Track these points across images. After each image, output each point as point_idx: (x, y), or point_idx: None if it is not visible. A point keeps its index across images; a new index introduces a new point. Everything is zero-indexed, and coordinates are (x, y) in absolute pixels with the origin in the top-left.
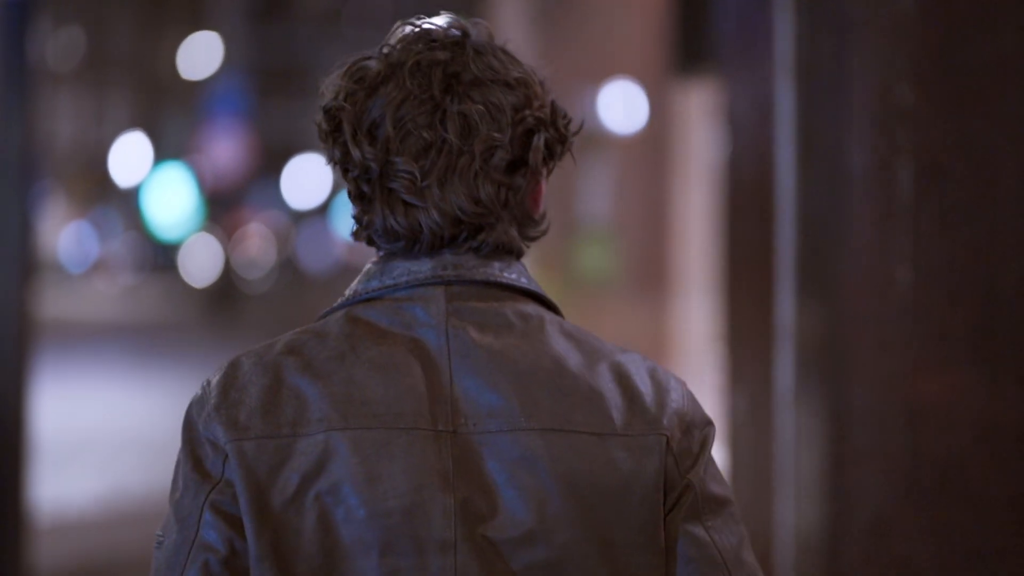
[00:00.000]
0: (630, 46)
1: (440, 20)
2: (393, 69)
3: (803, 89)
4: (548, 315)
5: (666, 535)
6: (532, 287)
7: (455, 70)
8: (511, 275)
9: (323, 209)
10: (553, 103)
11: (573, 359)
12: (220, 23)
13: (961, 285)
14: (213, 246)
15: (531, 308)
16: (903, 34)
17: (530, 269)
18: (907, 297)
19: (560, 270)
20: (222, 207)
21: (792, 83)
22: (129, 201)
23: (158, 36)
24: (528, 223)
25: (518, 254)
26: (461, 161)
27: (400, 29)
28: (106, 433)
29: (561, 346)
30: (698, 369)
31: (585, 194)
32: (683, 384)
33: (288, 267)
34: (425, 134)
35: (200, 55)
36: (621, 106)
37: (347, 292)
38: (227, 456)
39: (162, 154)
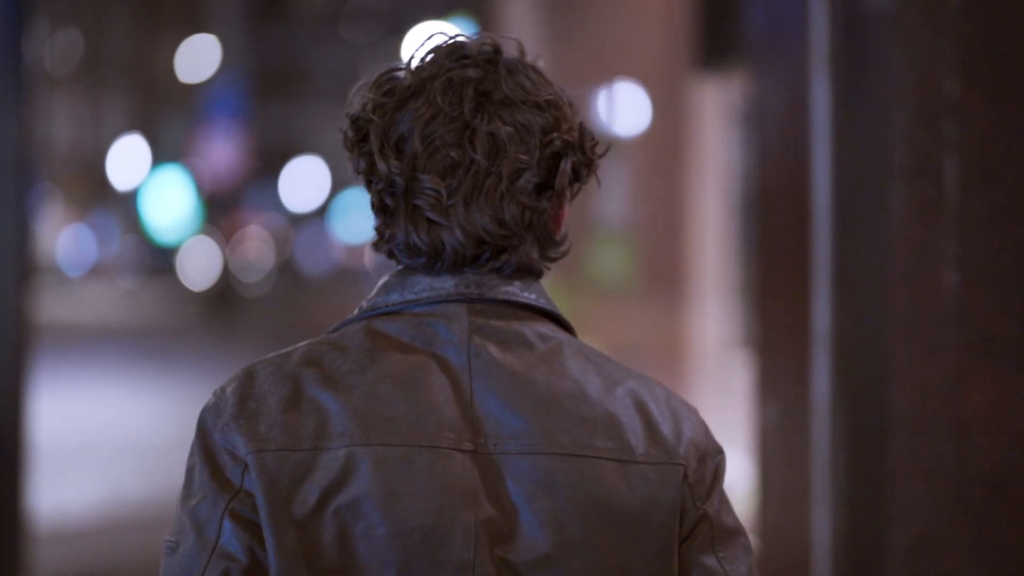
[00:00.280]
0: (643, 44)
1: (471, 36)
2: (424, 84)
3: (839, 82)
4: (565, 336)
5: (679, 564)
6: (551, 308)
7: (486, 88)
8: (530, 295)
9: (321, 212)
10: (581, 125)
11: (592, 383)
12: (217, 25)
13: (1010, 288)
14: (211, 249)
15: (549, 329)
16: (947, 24)
17: (546, 272)
18: (953, 301)
19: (575, 273)
20: (220, 210)
21: (827, 76)
22: (127, 204)
23: (155, 39)
24: (550, 244)
25: (538, 275)
26: (488, 182)
27: (431, 41)
28: (105, 438)
29: (580, 369)
30: (714, 374)
31: (600, 195)
32: (696, 412)
33: (286, 270)
34: (453, 153)
35: (198, 58)
36: (627, 107)
37: (363, 304)
38: (247, 467)
39: (160, 157)
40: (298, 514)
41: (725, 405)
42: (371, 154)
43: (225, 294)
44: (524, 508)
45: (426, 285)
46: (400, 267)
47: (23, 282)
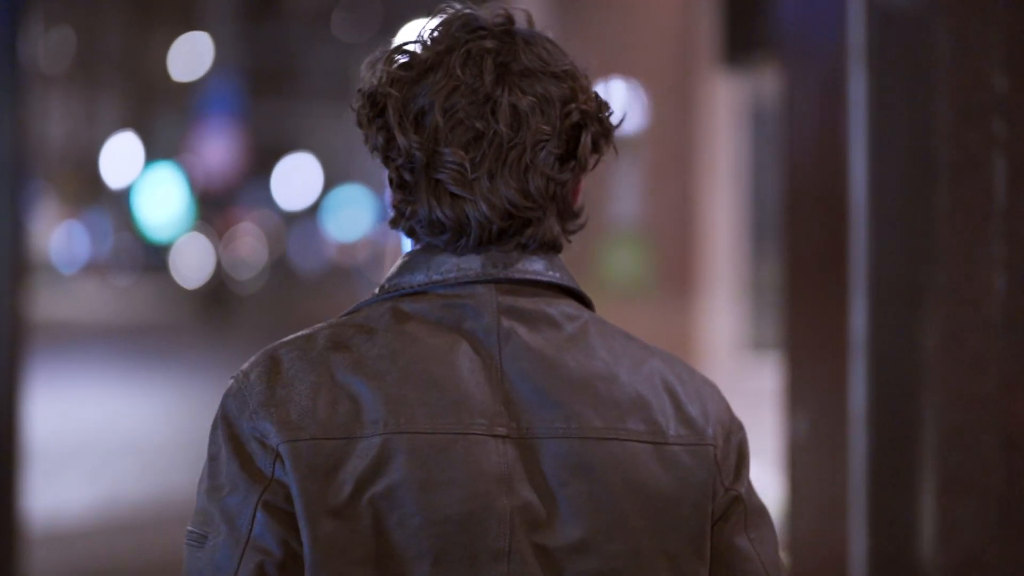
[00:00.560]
0: (656, 40)
1: (491, 9)
2: (441, 56)
3: (877, 77)
4: (589, 315)
5: (712, 545)
6: (574, 285)
7: (505, 60)
8: (555, 274)
9: (314, 209)
10: (597, 95)
11: (621, 364)
12: (211, 24)
13: None
14: (204, 246)
15: (573, 308)
16: (996, 16)
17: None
18: (1000, 307)
19: (587, 273)
20: (213, 207)
21: (864, 70)
22: (120, 202)
23: (149, 37)
24: (569, 217)
25: (559, 249)
26: (512, 154)
27: (441, 15)
28: (99, 438)
29: (607, 349)
30: (726, 376)
31: (613, 195)
32: (717, 388)
33: (279, 267)
34: (478, 124)
35: (191, 56)
36: (637, 104)
37: (384, 283)
38: (279, 456)
39: (153, 154)
40: (333, 504)
41: (738, 409)
42: (389, 128)
43: (218, 292)
44: (558, 493)
45: (452, 265)
46: (419, 245)
47: (17, 280)
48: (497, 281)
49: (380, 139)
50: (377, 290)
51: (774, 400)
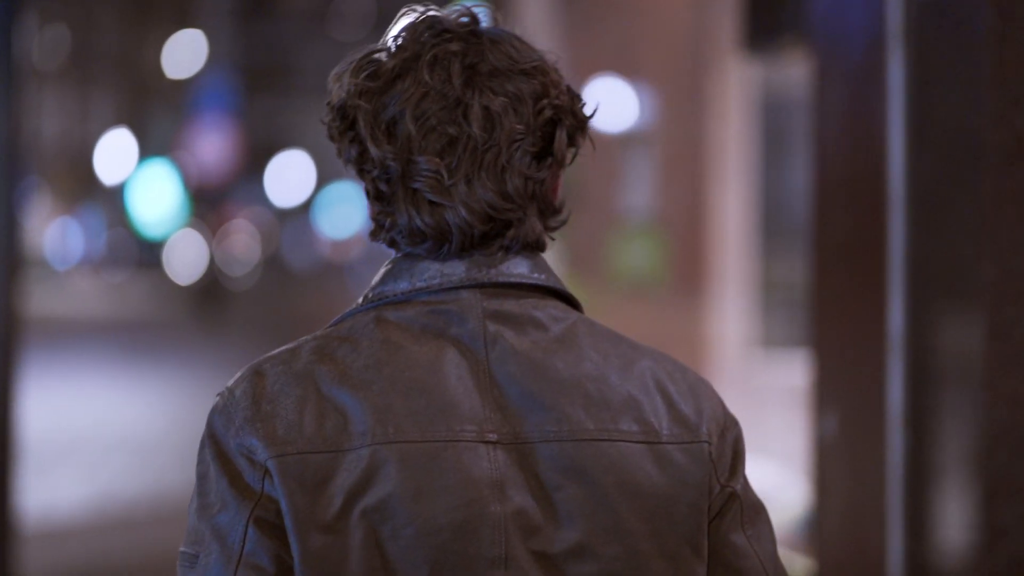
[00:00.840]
0: (666, 32)
1: (454, 8)
2: (408, 63)
3: (917, 59)
4: (579, 316)
5: (708, 543)
6: (560, 287)
7: (472, 61)
8: (540, 276)
9: (307, 207)
10: (569, 88)
11: (610, 364)
12: (205, 21)
13: None
14: (198, 243)
15: (560, 309)
16: None
17: (565, 266)
18: None
19: (600, 267)
20: (207, 204)
21: (903, 53)
22: (114, 198)
23: (143, 34)
24: (550, 214)
25: (542, 248)
26: (487, 156)
27: (404, 18)
28: (93, 435)
29: (597, 350)
30: (737, 374)
31: (625, 188)
32: (710, 385)
33: (272, 264)
34: (451, 129)
35: (185, 53)
36: (629, 101)
37: (368, 293)
38: (267, 471)
39: (147, 151)
40: (323, 519)
41: (749, 407)
42: (361, 140)
43: (211, 288)
44: (553, 497)
45: (436, 271)
46: (401, 253)
47: (12, 277)
48: (481, 285)
49: (353, 151)
50: (361, 299)
51: (785, 398)
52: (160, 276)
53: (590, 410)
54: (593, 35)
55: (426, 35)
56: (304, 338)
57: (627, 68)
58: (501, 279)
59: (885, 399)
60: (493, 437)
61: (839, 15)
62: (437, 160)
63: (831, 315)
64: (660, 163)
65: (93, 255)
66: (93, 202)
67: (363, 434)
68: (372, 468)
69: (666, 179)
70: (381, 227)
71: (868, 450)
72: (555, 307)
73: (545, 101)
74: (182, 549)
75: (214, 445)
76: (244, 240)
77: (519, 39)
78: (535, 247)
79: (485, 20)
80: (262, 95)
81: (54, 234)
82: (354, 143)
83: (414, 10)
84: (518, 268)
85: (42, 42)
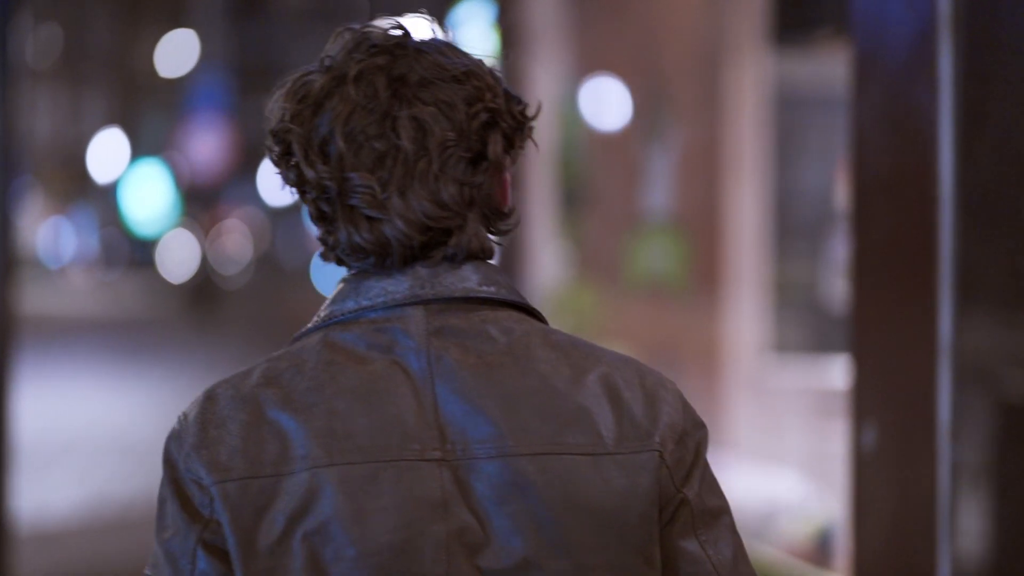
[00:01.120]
0: (681, 27)
1: (384, 22)
2: (337, 82)
3: (969, 50)
4: (533, 326)
5: (660, 550)
6: (512, 297)
7: (400, 73)
8: (490, 288)
9: (299, 205)
10: (506, 91)
11: (560, 375)
12: (198, 20)
13: None
14: (191, 242)
15: (513, 320)
16: None
17: (575, 268)
18: None
19: (613, 270)
20: (200, 203)
21: (953, 43)
22: (107, 197)
23: (136, 33)
24: (496, 217)
25: (488, 256)
26: (419, 166)
27: (340, 37)
28: (87, 436)
29: (547, 361)
30: (750, 380)
31: (643, 188)
32: (673, 388)
33: (265, 263)
34: (377, 144)
35: (178, 52)
36: (609, 102)
37: (321, 313)
38: (213, 497)
39: (140, 150)
40: (265, 544)
41: (763, 415)
42: (298, 164)
43: (204, 287)
44: (497, 513)
45: (380, 289)
46: (352, 271)
47: (7, 276)
48: (426, 302)
49: (292, 176)
50: (316, 318)
51: (800, 404)
52: (153, 275)
53: (535, 424)
54: (609, 33)
55: (355, 52)
56: (258, 361)
57: (642, 66)
58: (446, 294)
59: (932, 409)
60: (436, 455)
61: (882, 4)
62: (369, 175)
63: (872, 320)
64: (676, 162)
65: (86, 254)
66: (86, 201)
67: (304, 458)
68: (312, 491)
69: (681, 178)
70: (327, 246)
71: (912, 462)
72: (507, 318)
73: (479, 105)
74: (145, 572)
75: (169, 470)
76: (237, 239)
77: (451, 47)
78: (481, 255)
79: (425, 32)
80: (255, 94)
81: (46, 233)
82: (292, 168)
83: (349, 29)
84: (465, 281)
85: (34, 41)
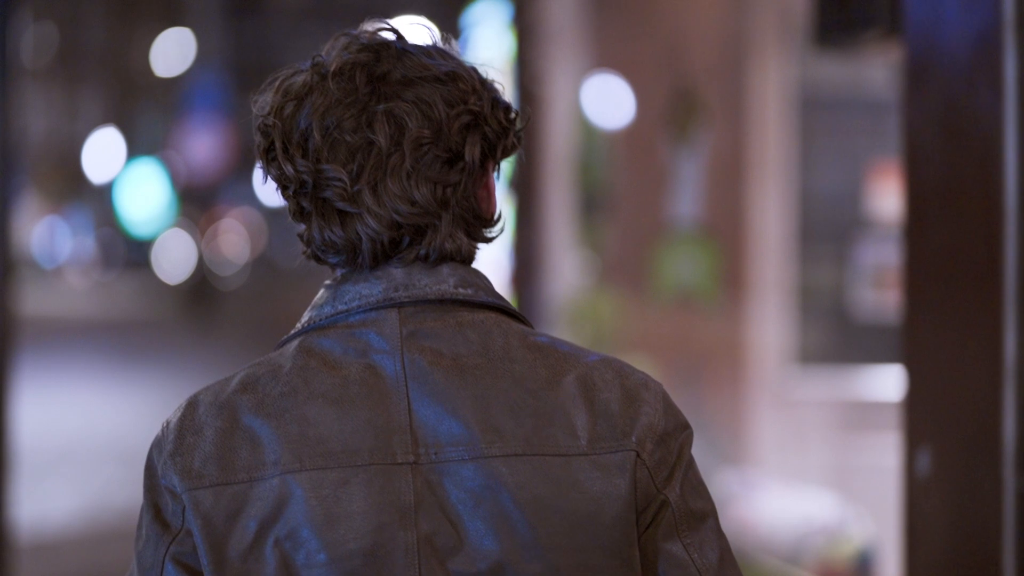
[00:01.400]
0: (705, 27)
1: (377, 24)
2: (320, 78)
3: None
4: (511, 328)
5: (642, 554)
6: (491, 299)
7: (383, 71)
8: (467, 290)
9: None
10: (495, 98)
11: (535, 376)
12: (195, 19)
13: None
14: (187, 242)
15: (492, 323)
16: None
17: (596, 276)
18: None
19: (638, 278)
20: (196, 203)
21: (1016, 43)
22: (102, 197)
23: (131, 32)
24: (477, 223)
25: (467, 259)
26: (391, 161)
27: (336, 40)
28: (84, 443)
29: (524, 362)
30: (774, 391)
31: (672, 194)
32: (657, 388)
33: (261, 263)
34: (350, 138)
35: (174, 51)
36: (607, 100)
37: (302, 319)
38: (185, 506)
39: (136, 150)
40: (238, 550)
41: (786, 428)
42: (278, 159)
43: (201, 288)
44: (470, 516)
45: (355, 294)
46: (336, 275)
47: (6, 278)
48: (400, 304)
49: (273, 170)
50: (299, 324)
51: (823, 419)
52: (149, 276)
53: (509, 426)
54: (635, 36)
55: (341, 51)
56: (242, 367)
57: (663, 67)
58: (421, 296)
59: (995, 434)
60: (409, 458)
61: (937, 4)
62: (341, 168)
63: (927, 337)
64: (705, 166)
65: (81, 255)
66: (81, 201)
67: (275, 463)
68: (283, 497)
69: (708, 183)
70: (304, 242)
71: (973, 491)
72: (485, 320)
73: (461, 107)
74: None
75: (148, 478)
76: (233, 239)
77: (440, 51)
78: (459, 258)
79: (423, 37)
80: (252, 94)
81: (41, 233)
82: (273, 162)
83: (345, 33)
84: (441, 284)
85: (29, 40)
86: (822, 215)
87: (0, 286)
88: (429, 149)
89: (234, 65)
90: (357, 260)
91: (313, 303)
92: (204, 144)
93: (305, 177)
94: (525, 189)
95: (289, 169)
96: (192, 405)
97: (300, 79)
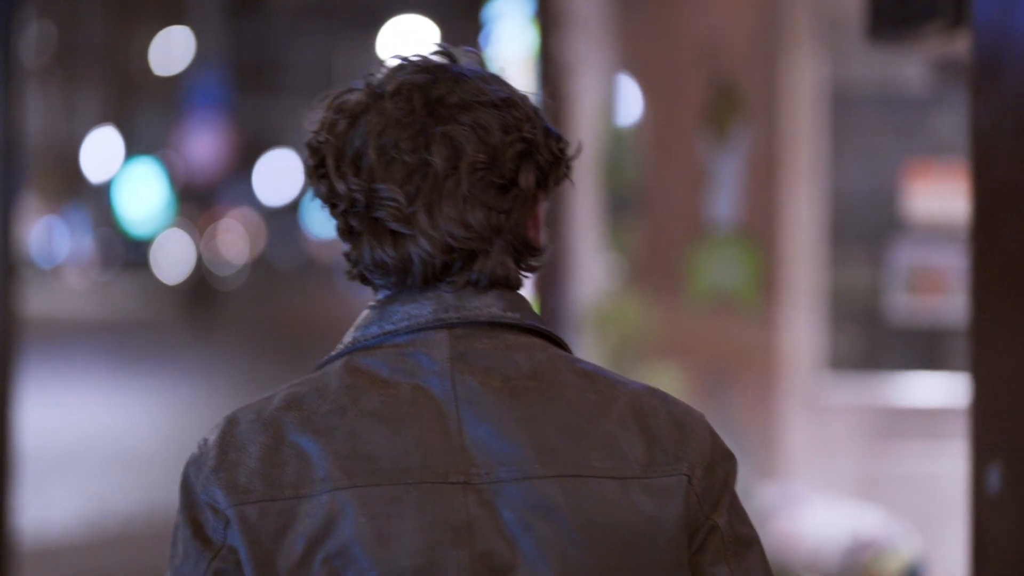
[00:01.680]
0: (735, 22)
1: (431, 49)
2: (375, 98)
3: None
4: (557, 353)
5: None
6: (537, 324)
7: (440, 93)
8: (515, 314)
9: (295, 206)
10: (547, 127)
11: (586, 400)
12: (194, 17)
13: None
14: (186, 242)
15: (538, 347)
16: None
17: (624, 279)
18: None
19: (671, 281)
20: (195, 203)
21: None
22: (100, 197)
23: (130, 30)
24: (526, 252)
25: (515, 286)
26: (448, 184)
27: (389, 62)
28: (85, 446)
29: (573, 386)
30: (808, 397)
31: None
32: (702, 418)
33: (259, 263)
34: (407, 158)
35: (173, 50)
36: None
37: (345, 339)
38: (229, 521)
39: (134, 149)
40: (285, 567)
41: (818, 437)
42: (329, 177)
43: (199, 288)
44: (523, 537)
45: (404, 314)
46: (379, 296)
47: (9, 280)
48: (450, 325)
49: (323, 188)
50: (340, 345)
51: (856, 426)
52: (147, 276)
53: (561, 447)
54: (669, 34)
55: (397, 72)
56: (283, 386)
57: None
58: (471, 318)
59: None
60: (460, 478)
61: None
62: (396, 188)
63: (997, 345)
64: (742, 166)
65: (79, 254)
66: (79, 201)
67: (324, 480)
68: (332, 514)
69: (743, 183)
70: (351, 262)
71: None
72: (532, 345)
73: (516, 133)
74: None
75: (185, 495)
76: (232, 239)
77: (495, 77)
78: (507, 284)
79: (466, 61)
80: (250, 93)
81: (40, 233)
82: (323, 179)
83: (400, 56)
84: (490, 307)
85: (28, 38)
86: (856, 216)
87: (2, 288)
88: (485, 174)
89: (233, 64)
90: (407, 282)
91: (356, 324)
92: (203, 143)
93: (357, 196)
94: None
95: (341, 187)
96: (232, 422)
97: (354, 97)
